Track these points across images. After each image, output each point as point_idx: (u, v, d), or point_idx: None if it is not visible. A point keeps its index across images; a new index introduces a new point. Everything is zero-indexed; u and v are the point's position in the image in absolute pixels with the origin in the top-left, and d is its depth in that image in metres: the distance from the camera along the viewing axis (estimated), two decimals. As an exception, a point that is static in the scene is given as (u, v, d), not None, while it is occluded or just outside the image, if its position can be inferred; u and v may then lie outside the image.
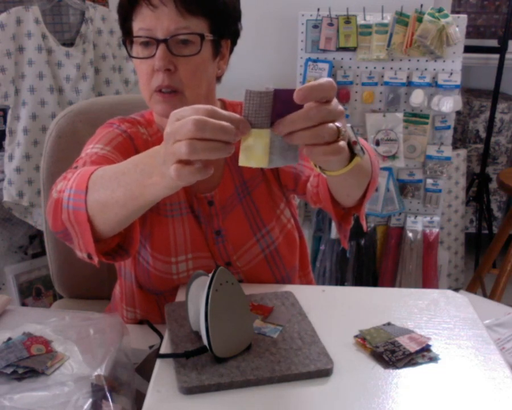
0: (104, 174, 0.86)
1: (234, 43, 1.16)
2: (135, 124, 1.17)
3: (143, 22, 1.04)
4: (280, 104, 0.73)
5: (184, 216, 1.17)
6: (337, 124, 0.74)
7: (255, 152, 0.75)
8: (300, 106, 0.73)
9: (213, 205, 1.19)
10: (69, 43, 2.21)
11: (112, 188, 0.83)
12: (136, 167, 0.80)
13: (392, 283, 2.54)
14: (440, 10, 2.25)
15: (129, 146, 1.12)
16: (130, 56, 1.09)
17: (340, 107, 0.75)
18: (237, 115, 0.72)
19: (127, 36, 1.09)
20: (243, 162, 0.76)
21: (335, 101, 0.75)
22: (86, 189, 0.85)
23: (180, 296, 1.12)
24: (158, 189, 0.78)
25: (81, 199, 0.86)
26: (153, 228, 1.16)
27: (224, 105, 1.24)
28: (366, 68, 2.33)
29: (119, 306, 1.30)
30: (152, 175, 0.77)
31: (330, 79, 0.74)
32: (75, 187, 0.88)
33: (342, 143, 0.75)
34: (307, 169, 1.17)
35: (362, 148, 0.84)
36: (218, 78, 1.16)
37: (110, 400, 0.86)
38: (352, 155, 0.83)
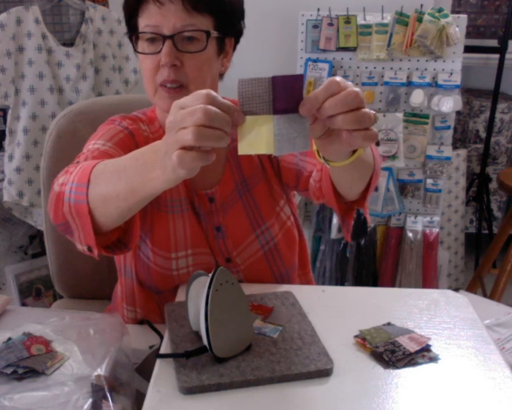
0: (105, 168, 0.88)
1: (237, 41, 1.17)
2: (137, 121, 1.18)
3: (149, 19, 1.05)
4: (281, 90, 0.74)
5: (185, 212, 1.17)
6: (372, 111, 0.76)
7: (258, 139, 0.75)
8: (300, 94, 0.74)
9: (214, 201, 1.19)
10: (69, 43, 2.21)
11: (113, 182, 0.85)
12: (138, 161, 0.82)
13: (392, 283, 2.54)
14: (440, 10, 2.25)
15: (131, 142, 1.13)
16: (136, 51, 1.09)
17: None
18: (232, 105, 0.74)
19: (133, 32, 1.09)
20: (244, 149, 0.75)
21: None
22: (88, 183, 0.87)
23: (180, 296, 1.12)
24: (159, 183, 0.79)
25: (83, 192, 0.87)
26: (154, 223, 1.17)
27: None
28: (366, 68, 2.33)
29: (119, 306, 1.30)
30: (154, 169, 0.78)
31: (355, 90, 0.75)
32: (77, 180, 0.89)
33: (376, 130, 0.77)
34: (309, 164, 1.17)
35: None
36: (221, 76, 1.17)
37: (110, 400, 0.86)
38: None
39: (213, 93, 0.73)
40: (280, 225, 1.24)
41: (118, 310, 1.31)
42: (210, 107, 0.71)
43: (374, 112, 0.76)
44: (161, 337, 0.99)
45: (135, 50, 1.09)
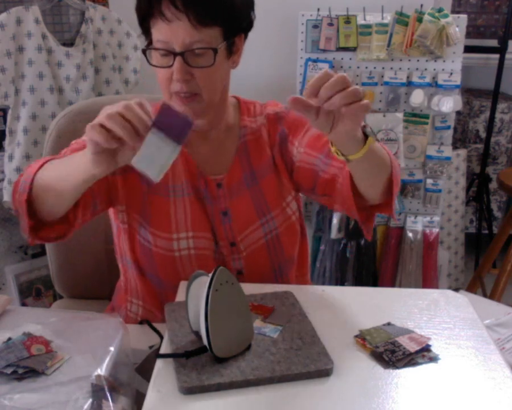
0: (53, 161, 1.03)
1: (247, 33, 1.20)
2: None
3: (160, 34, 1.09)
4: (167, 116, 0.87)
5: (185, 196, 1.21)
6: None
7: (153, 160, 0.86)
8: (182, 131, 0.88)
9: (221, 187, 1.23)
10: (69, 43, 2.21)
11: (55, 170, 1.02)
12: (73, 157, 1.00)
13: (392, 283, 2.54)
14: (440, 10, 2.25)
15: None
16: (150, 64, 1.13)
17: None
18: (147, 119, 0.86)
19: (146, 34, 1.14)
20: (138, 163, 0.86)
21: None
22: (34, 175, 1.02)
23: (180, 296, 1.12)
24: (84, 171, 0.94)
25: (28, 182, 1.01)
26: (154, 208, 1.21)
27: (239, 102, 1.29)
28: (366, 68, 2.33)
29: (123, 299, 1.31)
30: (83, 158, 0.93)
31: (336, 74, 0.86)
32: (28, 172, 1.03)
33: (367, 101, 0.87)
34: (332, 168, 1.17)
35: (372, 130, 0.97)
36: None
37: (110, 400, 0.86)
38: (366, 137, 0.96)
39: (142, 101, 0.86)
40: (285, 218, 1.26)
41: (122, 304, 1.31)
42: (129, 103, 0.85)
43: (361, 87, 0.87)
44: (161, 337, 1.00)
45: (149, 63, 1.13)
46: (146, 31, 1.14)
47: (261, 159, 1.26)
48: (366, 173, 1.05)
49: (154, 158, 0.86)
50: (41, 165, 1.04)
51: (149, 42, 1.14)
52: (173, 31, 1.07)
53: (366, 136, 0.96)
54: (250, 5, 1.17)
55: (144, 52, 1.13)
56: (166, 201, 1.21)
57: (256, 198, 1.24)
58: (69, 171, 0.99)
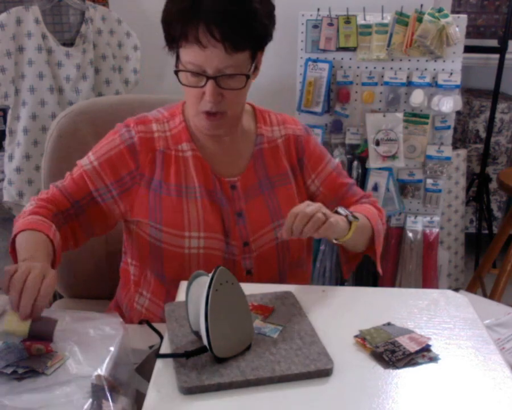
0: (22, 238, 1.11)
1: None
2: (150, 123, 1.25)
3: (192, 57, 1.11)
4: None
5: (198, 198, 1.23)
6: (323, 211, 1.10)
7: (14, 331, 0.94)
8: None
9: (236, 189, 1.26)
10: (69, 43, 2.21)
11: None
12: (22, 245, 1.09)
13: (392, 283, 2.54)
14: (440, 10, 2.24)
15: (124, 157, 1.23)
16: (181, 83, 1.16)
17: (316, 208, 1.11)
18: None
19: (171, 42, 1.16)
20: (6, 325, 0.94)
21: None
22: (14, 239, 1.12)
23: (180, 296, 1.12)
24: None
25: (14, 234, 1.12)
26: (166, 207, 1.23)
27: (254, 109, 1.34)
28: (366, 68, 2.33)
29: (132, 290, 1.33)
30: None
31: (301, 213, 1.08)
32: (19, 226, 1.13)
33: (332, 219, 1.11)
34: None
35: (353, 216, 1.17)
36: None
37: (110, 400, 0.86)
38: (350, 224, 1.17)
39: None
40: None
41: (127, 294, 1.33)
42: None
43: (319, 214, 1.09)
44: (161, 337, 1.00)
45: (180, 82, 1.16)
46: (171, 43, 1.16)
47: (278, 169, 1.31)
48: (351, 242, 1.23)
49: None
50: (20, 231, 1.11)
51: (172, 55, 1.17)
52: (207, 56, 1.10)
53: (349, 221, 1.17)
54: (273, 22, 1.20)
55: (176, 73, 1.16)
56: (179, 201, 1.23)
57: (271, 203, 1.28)
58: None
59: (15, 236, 1.11)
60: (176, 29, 1.12)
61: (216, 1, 1.09)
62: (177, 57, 1.16)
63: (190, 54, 1.12)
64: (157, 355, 0.94)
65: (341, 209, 1.19)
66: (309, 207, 1.10)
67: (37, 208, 1.18)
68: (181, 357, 0.90)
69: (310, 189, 1.35)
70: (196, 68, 1.12)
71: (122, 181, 1.23)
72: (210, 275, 0.90)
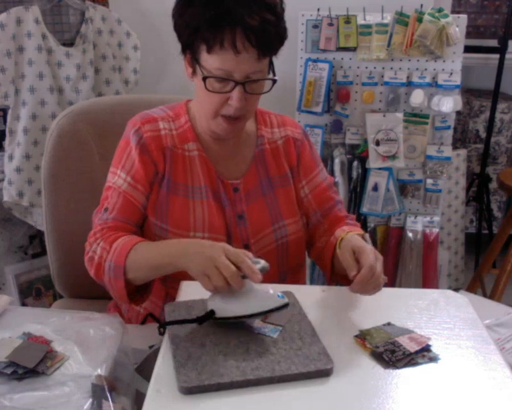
0: (138, 258, 1.10)
1: None
2: (157, 121, 1.25)
3: (223, 63, 1.11)
4: None
5: (204, 199, 1.24)
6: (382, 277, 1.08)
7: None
8: None
9: (238, 191, 1.26)
10: (69, 43, 2.21)
11: (145, 272, 1.12)
12: (168, 265, 1.08)
13: (392, 283, 2.54)
14: (440, 10, 2.24)
15: (144, 159, 1.22)
16: (208, 90, 1.15)
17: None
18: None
19: (188, 48, 1.16)
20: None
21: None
22: (124, 268, 1.10)
23: (180, 296, 1.12)
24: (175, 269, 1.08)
25: (120, 273, 1.10)
26: (173, 207, 1.23)
27: (255, 111, 1.34)
28: (366, 68, 2.33)
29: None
30: (177, 268, 1.07)
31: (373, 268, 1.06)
32: (115, 262, 1.11)
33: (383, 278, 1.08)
34: (320, 229, 1.34)
35: (367, 239, 1.20)
36: None
37: (110, 400, 0.86)
38: None
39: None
40: (296, 229, 1.31)
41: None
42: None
43: (384, 277, 1.08)
44: (163, 331, 0.99)
45: (206, 88, 1.14)
46: (195, 49, 1.14)
47: (279, 170, 1.32)
48: None
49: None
50: (125, 258, 1.10)
51: (194, 62, 1.16)
52: (238, 62, 1.10)
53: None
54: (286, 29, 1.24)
55: (204, 79, 1.14)
56: (185, 201, 1.23)
57: (272, 204, 1.29)
58: (164, 272, 1.12)
59: (123, 273, 1.10)
60: (207, 35, 1.10)
61: (251, 7, 1.10)
62: (197, 63, 1.15)
63: (220, 60, 1.11)
64: (165, 323, 0.96)
65: (366, 237, 1.22)
66: (378, 265, 1.08)
67: (114, 236, 1.17)
68: (191, 322, 0.96)
69: (300, 195, 1.35)
70: (224, 73, 1.12)
71: (152, 186, 1.24)
72: None
